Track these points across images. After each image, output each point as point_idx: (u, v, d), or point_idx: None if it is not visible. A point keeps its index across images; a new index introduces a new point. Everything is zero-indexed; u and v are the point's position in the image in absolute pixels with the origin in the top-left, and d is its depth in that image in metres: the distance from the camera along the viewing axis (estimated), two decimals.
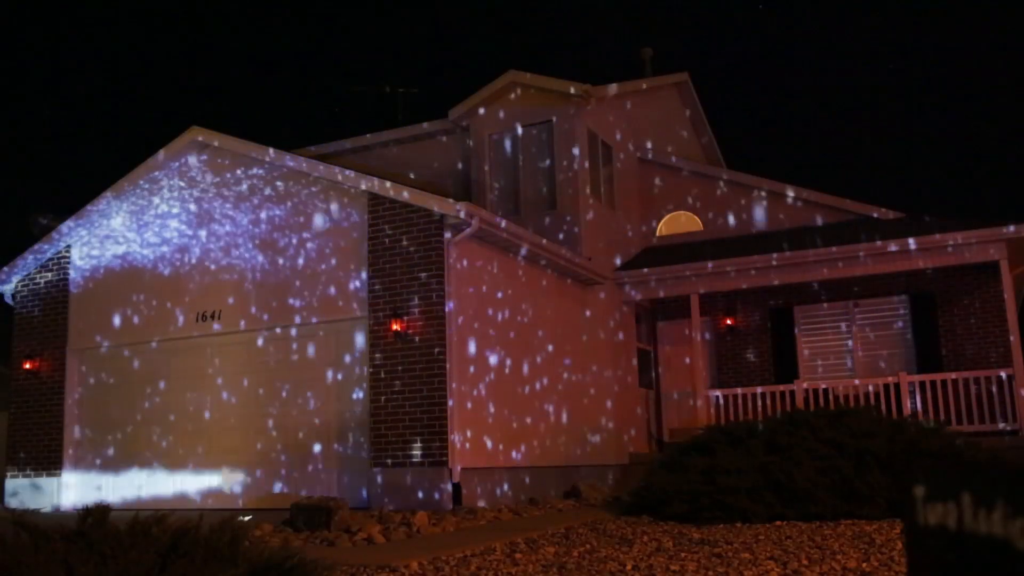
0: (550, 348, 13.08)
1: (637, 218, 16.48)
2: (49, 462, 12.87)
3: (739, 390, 14.40)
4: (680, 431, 14.65)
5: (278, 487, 11.44)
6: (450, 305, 10.65)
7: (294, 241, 11.80)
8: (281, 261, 11.86)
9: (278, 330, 11.78)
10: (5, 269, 13.54)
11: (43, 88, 45.88)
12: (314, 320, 11.50)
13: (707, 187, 16.28)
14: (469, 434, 10.83)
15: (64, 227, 13.23)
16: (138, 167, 12.92)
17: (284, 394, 11.61)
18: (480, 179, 14.93)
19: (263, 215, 12.09)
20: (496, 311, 11.85)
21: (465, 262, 11.18)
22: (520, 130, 14.79)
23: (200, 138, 12.61)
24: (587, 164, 14.47)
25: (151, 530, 4.25)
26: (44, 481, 12.85)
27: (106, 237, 13.18)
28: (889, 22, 47.53)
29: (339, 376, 11.29)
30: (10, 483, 13.17)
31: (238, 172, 12.41)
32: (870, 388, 13.71)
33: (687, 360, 15.61)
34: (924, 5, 48.19)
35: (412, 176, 15.16)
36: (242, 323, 12.01)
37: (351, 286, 11.28)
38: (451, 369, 10.54)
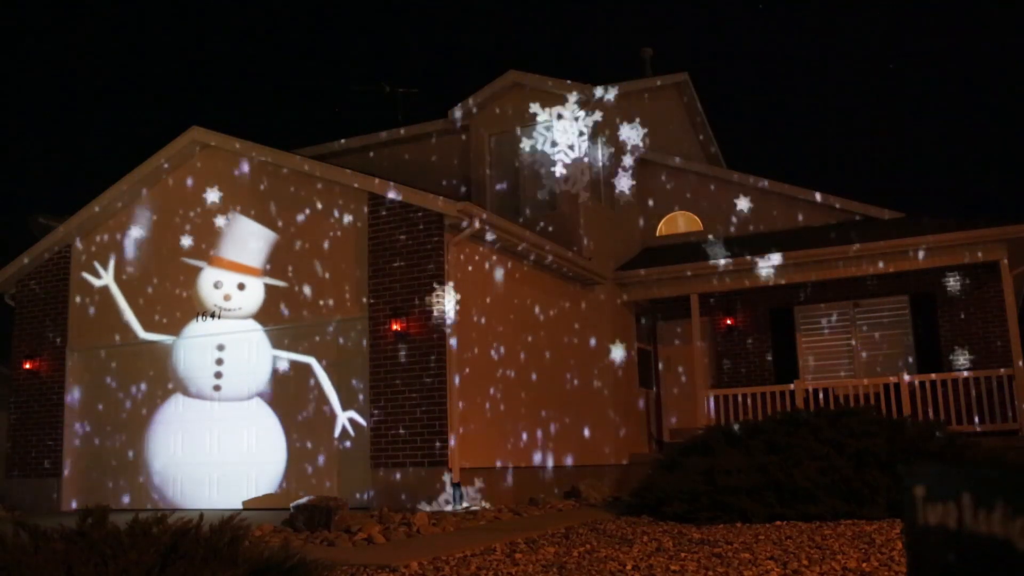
0: (550, 348, 13.08)
1: (637, 218, 16.47)
2: (49, 462, 12.86)
3: (739, 390, 14.39)
4: (680, 431, 14.65)
5: (278, 486, 11.44)
6: (450, 305, 10.64)
7: (293, 241, 11.80)
8: (281, 261, 11.86)
9: (279, 329, 11.78)
10: (5, 269, 13.54)
11: (44, 87, 45.88)
12: (315, 319, 11.50)
13: (707, 187, 16.28)
14: (469, 434, 10.82)
15: (64, 227, 13.23)
16: (138, 167, 12.92)
17: (284, 393, 11.61)
18: (480, 179, 14.93)
19: (262, 215, 12.08)
20: (496, 311, 11.84)
21: (465, 262, 11.18)
22: (520, 130, 14.79)
23: (200, 138, 12.61)
24: (586, 164, 14.47)
25: (151, 530, 4.25)
26: (44, 481, 12.84)
27: (106, 237, 13.18)
28: (889, 22, 47.52)
29: (339, 376, 11.29)
30: (10, 483, 13.16)
31: (238, 172, 12.41)
32: (870, 388, 13.71)
33: (687, 360, 15.61)
34: (924, 5, 48.18)
35: (412, 176, 15.16)
36: (242, 322, 12.01)
37: (351, 286, 11.28)
38: (451, 369, 10.54)
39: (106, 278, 12.96)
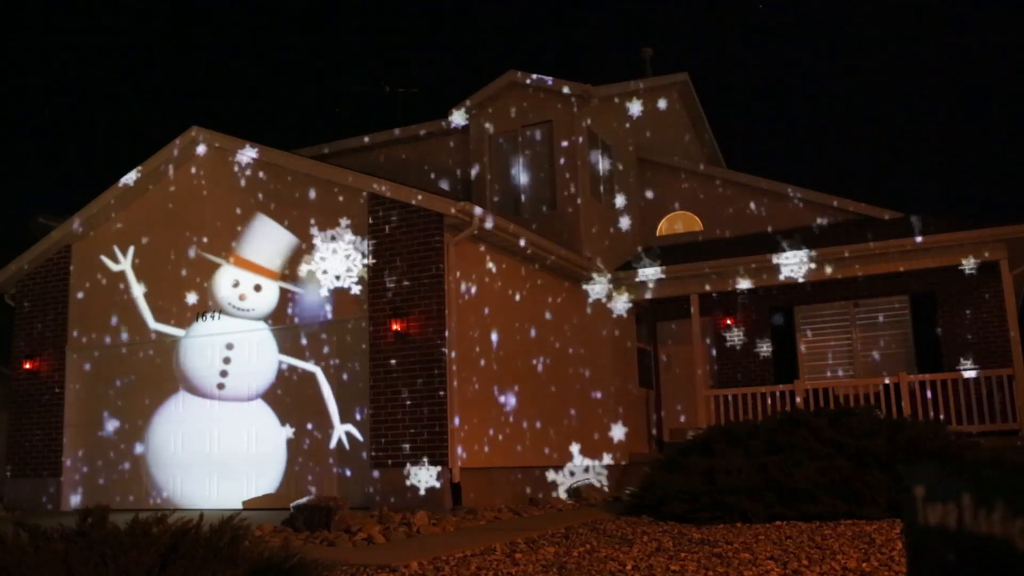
0: (549, 347, 13.08)
1: (637, 218, 16.48)
2: (49, 462, 12.86)
3: (739, 390, 14.38)
4: (680, 431, 14.65)
5: (279, 486, 11.44)
6: (450, 305, 10.64)
7: (293, 241, 11.79)
8: (281, 261, 11.86)
9: (279, 330, 11.78)
10: (5, 269, 13.54)
11: (43, 87, 45.89)
12: (314, 320, 11.50)
13: (707, 187, 16.28)
14: (469, 434, 10.82)
15: (65, 226, 13.22)
16: (138, 167, 12.92)
17: (285, 393, 11.61)
18: (480, 179, 14.93)
19: (263, 215, 12.08)
20: (496, 311, 11.84)
21: (465, 262, 11.18)
22: (520, 130, 14.79)
23: (200, 138, 12.62)
24: (587, 164, 14.46)
25: (151, 530, 4.25)
26: (44, 481, 12.84)
27: (106, 236, 13.17)
28: (889, 22, 47.53)
29: (339, 376, 11.29)
30: (10, 483, 13.16)
31: (237, 172, 12.41)
32: (870, 388, 13.71)
33: (687, 360, 15.60)
34: (924, 5, 48.19)
35: (412, 176, 15.16)
36: (243, 322, 12.01)
37: (351, 286, 11.28)
38: (451, 369, 10.54)
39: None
